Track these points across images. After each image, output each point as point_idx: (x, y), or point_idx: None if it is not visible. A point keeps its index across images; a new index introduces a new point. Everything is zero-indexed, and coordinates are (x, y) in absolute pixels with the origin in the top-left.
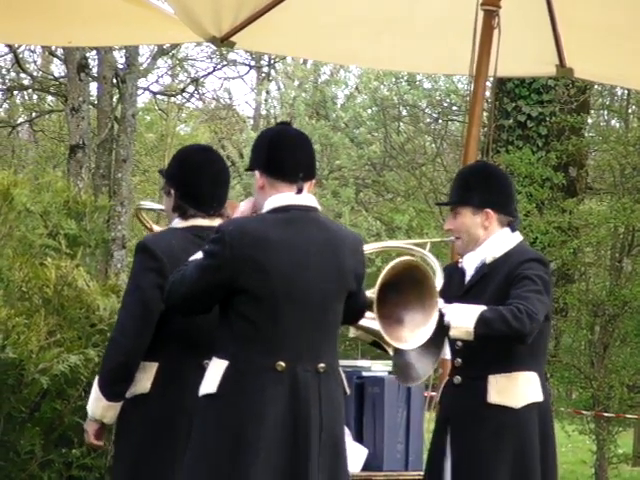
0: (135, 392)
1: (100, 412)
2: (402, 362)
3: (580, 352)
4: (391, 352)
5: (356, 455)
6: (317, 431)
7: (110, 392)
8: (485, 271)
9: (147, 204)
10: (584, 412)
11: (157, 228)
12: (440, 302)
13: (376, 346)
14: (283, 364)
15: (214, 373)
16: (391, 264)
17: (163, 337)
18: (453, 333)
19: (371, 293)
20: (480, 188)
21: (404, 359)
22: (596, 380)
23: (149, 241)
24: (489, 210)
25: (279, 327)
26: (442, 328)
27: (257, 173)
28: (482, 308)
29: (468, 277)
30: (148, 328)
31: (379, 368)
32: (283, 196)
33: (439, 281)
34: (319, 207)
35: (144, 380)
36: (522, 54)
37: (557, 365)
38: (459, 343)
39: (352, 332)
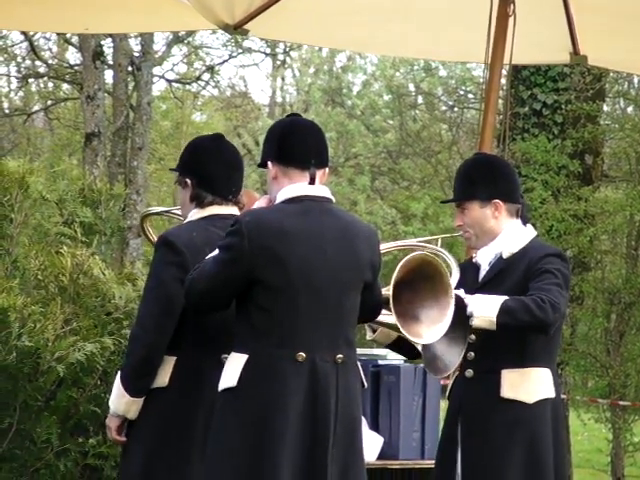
0: (153, 385)
1: (123, 408)
2: (430, 355)
3: (596, 340)
4: (420, 347)
5: (372, 444)
6: (333, 422)
7: (133, 388)
8: (502, 266)
9: (154, 209)
10: (600, 400)
11: None
12: (461, 292)
13: (393, 349)
14: (303, 354)
15: (234, 367)
16: (404, 261)
17: (181, 331)
18: (475, 323)
19: (386, 290)
20: (485, 180)
21: (431, 352)
22: (612, 368)
23: (170, 235)
24: (497, 201)
25: (297, 318)
26: (465, 318)
27: (270, 164)
28: (504, 298)
29: (483, 272)
30: (170, 323)
31: (395, 356)
32: (296, 186)
33: (455, 277)
34: (333, 198)
35: (162, 374)
36: (536, 42)
37: (573, 353)
38: (472, 337)
39: (369, 335)
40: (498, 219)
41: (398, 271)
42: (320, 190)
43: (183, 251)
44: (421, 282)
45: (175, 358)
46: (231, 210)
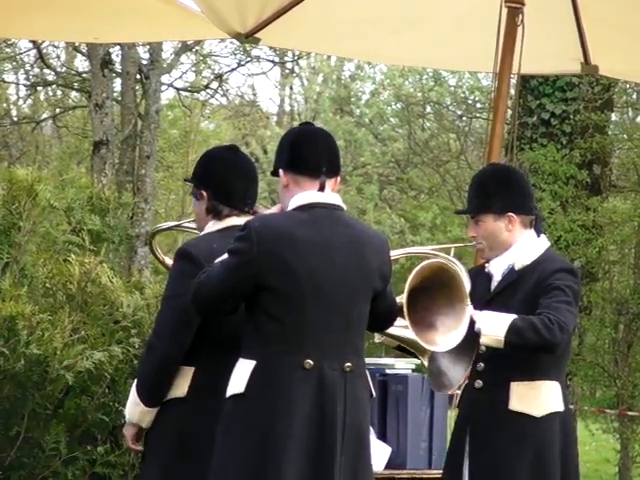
0: (171, 396)
1: (138, 417)
2: (435, 370)
3: (604, 350)
4: (425, 361)
5: (379, 453)
6: (340, 431)
7: (147, 397)
8: (514, 278)
9: (163, 225)
10: (608, 411)
11: (168, 260)
12: (470, 308)
13: (401, 350)
14: (311, 362)
15: (241, 373)
16: (419, 268)
17: (200, 342)
18: (483, 340)
19: (400, 298)
20: (500, 194)
21: (437, 367)
22: (620, 379)
23: (190, 246)
24: (511, 214)
25: (305, 325)
26: (473, 335)
27: (281, 172)
28: (513, 317)
29: (495, 282)
30: (186, 334)
31: (402, 366)
32: (307, 194)
33: (466, 286)
34: (344, 206)
35: (181, 384)
36: (546, 51)
37: (581, 364)
38: (483, 348)
39: (377, 337)
40: (512, 231)
41: (412, 278)
42: (331, 198)
43: (201, 262)
44: (438, 289)
45: (194, 369)
46: None
